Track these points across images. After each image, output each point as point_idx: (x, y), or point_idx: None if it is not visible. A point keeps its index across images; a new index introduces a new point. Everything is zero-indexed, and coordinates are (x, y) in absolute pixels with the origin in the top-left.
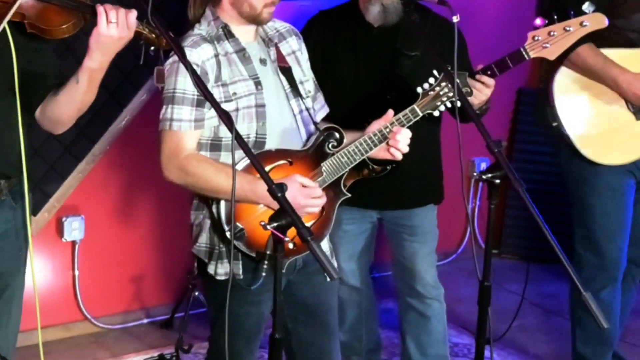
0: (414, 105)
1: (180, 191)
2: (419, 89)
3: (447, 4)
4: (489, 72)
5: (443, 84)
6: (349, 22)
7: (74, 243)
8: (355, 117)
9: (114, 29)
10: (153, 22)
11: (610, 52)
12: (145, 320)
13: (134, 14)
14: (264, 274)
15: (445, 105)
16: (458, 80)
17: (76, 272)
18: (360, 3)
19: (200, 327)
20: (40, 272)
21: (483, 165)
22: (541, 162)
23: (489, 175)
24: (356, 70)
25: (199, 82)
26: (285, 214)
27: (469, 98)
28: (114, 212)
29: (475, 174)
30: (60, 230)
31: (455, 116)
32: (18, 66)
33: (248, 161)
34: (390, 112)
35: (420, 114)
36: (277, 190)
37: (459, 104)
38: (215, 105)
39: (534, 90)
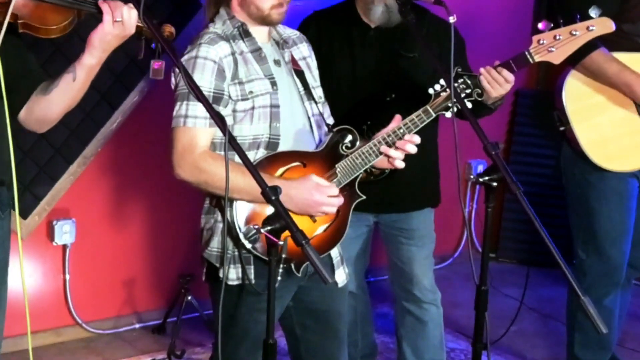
0: (427, 106)
1: (173, 194)
2: (431, 90)
3: (443, 4)
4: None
5: (455, 83)
6: (345, 23)
7: (64, 247)
8: (353, 119)
9: (119, 27)
10: (145, 22)
11: (620, 56)
12: (137, 325)
13: (135, 11)
14: (279, 278)
15: (457, 106)
16: (469, 81)
17: (67, 276)
18: (359, 3)
19: (193, 332)
20: (30, 277)
21: (480, 168)
22: (539, 165)
23: (486, 177)
24: (353, 72)
25: (190, 82)
26: (279, 217)
27: (486, 87)
28: (105, 216)
29: (472, 176)
30: (50, 234)
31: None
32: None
33: (260, 160)
34: (398, 116)
35: (434, 115)
36: (270, 193)
37: (455, 108)
38: (208, 106)
39: (532, 92)
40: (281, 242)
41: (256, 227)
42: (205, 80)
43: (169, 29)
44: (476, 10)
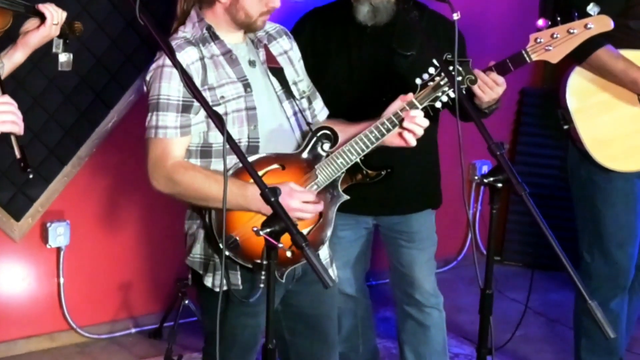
0: (412, 99)
1: (169, 197)
2: (418, 80)
3: (447, 1)
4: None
5: (444, 71)
6: (342, 21)
7: (59, 249)
8: (348, 118)
9: (55, 30)
10: (141, 20)
11: (626, 53)
12: (133, 330)
13: (65, 13)
14: (261, 285)
15: (448, 95)
16: (460, 68)
17: (61, 280)
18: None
19: (190, 337)
20: (24, 280)
21: (484, 169)
22: (545, 165)
23: (491, 178)
24: (349, 71)
25: (188, 81)
26: (278, 219)
27: (476, 90)
28: (100, 217)
29: (476, 177)
30: (44, 236)
31: (455, 115)
32: None
33: (238, 166)
34: (392, 106)
35: (419, 107)
36: (270, 194)
37: (457, 98)
38: (206, 105)
39: (537, 91)
40: (280, 245)
41: (255, 229)
42: (172, 89)
43: (79, 26)
44: (479, 7)
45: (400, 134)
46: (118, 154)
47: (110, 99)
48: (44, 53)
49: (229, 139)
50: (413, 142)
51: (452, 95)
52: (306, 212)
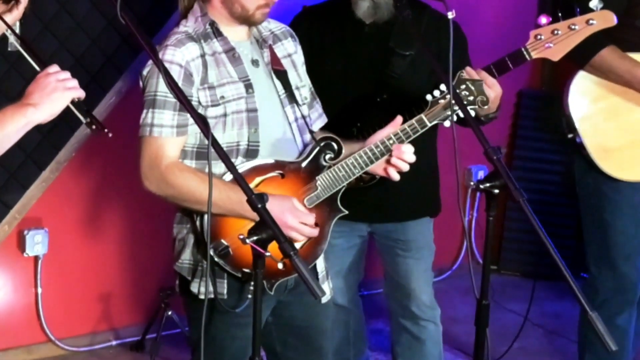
0: (422, 115)
1: (152, 202)
2: (429, 97)
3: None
4: None
5: (457, 90)
6: (338, 19)
7: (36, 258)
8: (343, 120)
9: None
10: (123, 19)
11: (634, 56)
12: (114, 342)
13: None
14: (249, 296)
15: (458, 115)
16: (472, 88)
17: (39, 290)
18: None
19: (173, 349)
20: (0, 290)
21: (481, 174)
22: (544, 171)
23: (487, 184)
24: (345, 71)
25: (172, 83)
26: (265, 227)
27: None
28: (80, 225)
29: (472, 183)
30: (21, 245)
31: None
32: None
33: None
34: (399, 118)
35: (429, 125)
36: (257, 201)
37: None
38: (190, 108)
39: (535, 93)
40: (268, 254)
41: (241, 237)
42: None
43: None
44: (478, 5)
45: (385, 169)
46: (98, 159)
47: (90, 101)
48: (19, 55)
49: (214, 143)
50: (396, 177)
51: (461, 115)
52: (301, 234)
